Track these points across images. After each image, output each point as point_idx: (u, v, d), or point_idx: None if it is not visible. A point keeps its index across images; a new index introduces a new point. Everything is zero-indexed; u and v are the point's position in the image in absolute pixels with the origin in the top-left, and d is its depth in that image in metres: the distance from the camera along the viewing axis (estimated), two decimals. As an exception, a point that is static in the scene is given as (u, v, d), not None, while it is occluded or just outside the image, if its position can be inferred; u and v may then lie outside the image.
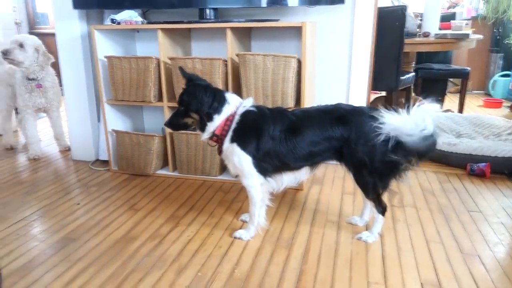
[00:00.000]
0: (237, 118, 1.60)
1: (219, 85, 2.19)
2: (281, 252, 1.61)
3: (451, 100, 4.65)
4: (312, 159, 1.62)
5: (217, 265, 1.52)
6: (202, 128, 1.62)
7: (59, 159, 2.80)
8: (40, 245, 1.68)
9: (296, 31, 2.27)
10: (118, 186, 2.30)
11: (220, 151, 1.67)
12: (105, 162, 2.62)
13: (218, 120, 1.60)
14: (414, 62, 3.76)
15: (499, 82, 4.72)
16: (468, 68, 3.79)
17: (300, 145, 1.57)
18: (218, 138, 1.63)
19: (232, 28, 2.17)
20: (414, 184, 2.27)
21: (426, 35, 3.27)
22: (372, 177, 1.55)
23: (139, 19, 2.38)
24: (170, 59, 2.26)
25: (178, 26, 2.24)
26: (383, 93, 3.84)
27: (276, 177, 1.68)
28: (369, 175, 1.55)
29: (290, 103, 2.12)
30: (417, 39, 3.22)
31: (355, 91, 2.49)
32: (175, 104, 2.33)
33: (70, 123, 2.73)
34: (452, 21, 3.63)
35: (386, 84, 3.09)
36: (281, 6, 2.37)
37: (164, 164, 2.50)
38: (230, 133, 1.60)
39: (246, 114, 1.62)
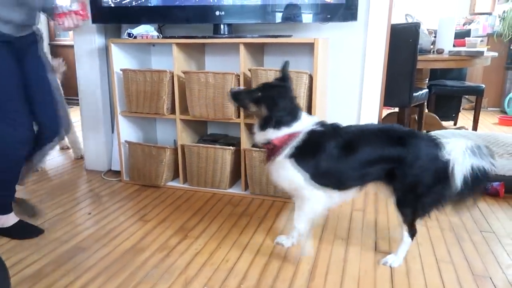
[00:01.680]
0: (301, 136, 1.53)
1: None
2: (288, 268, 1.60)
3: (465, 117, 4.59)
4: (364, 179, 1.58)
5: (224, 279, 1.52)
6: (262, 127, 1.53)
7: (73, 169, 2.85)
8: (50, 254, 1.71)
9: (309, 47, 2.29)
10: (129, 196, 2.33)
11: (268, 160, 1.60)
12: (118, 173, 2.66)
13: (282, 132, 1.52)
14: (427, 79, 3.74)
15: (515, 99, 4.66)
16: (483, 85, 3.75)
17: (356, 163, 1.53)
18: (273, 148, 1.55)
19: (245, 44, 2.20)
20: (426, 202, 2.24)
21: (440, 52, 3.26)
22: (418, 202, 1.53)
23: (155, 33, 2.44)
24: (184, 73, 2.30)
25: (193, 41, 2.28)
26: (396, 109, 3.83)
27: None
28: (415, 199, 1.52)
29: (301, 118, 2.12)
30: (431, 56, 3.20)
31: (367, 107, 2.49)
32: (187, 117, 2.37)
33: (85, 133, 2.79)
34: (466, 38, 3.61)
35: (399, 101, 3.08)
36: (294, 23, 2.40)
37: (175, 176, 2.53)
38: (289, 149, 1.52)
39: (310, 133, 1.54)
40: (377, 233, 1.89)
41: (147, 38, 2.38)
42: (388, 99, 2.96)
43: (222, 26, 2.36)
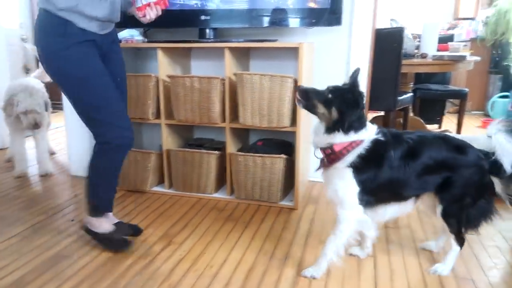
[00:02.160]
0: (365, 144, 1.46)
1: (216, 103, 2.21)
2: (273, 272, 1.60)
3: (450, 121, 4.66)
4: (423, 188, 1.54)
5: (208, 285, 1.51)
6: (329, 130, 1.46)
7: (58, 174, 2.81)
8: (32, 262, 1.68)
9: (294, 52, 2.30)
10: (114, 202, 2.29)
11: (323, 167, 1.55)
12: (102, 178, 2.62)
13: (349, 138, 1.45)
14: (412, 83, 3.79)
15: (497, 103, 4.74)
16: (466, 89, 3.81)
17: (418, 170, 1.49)
18: (331, 154, 1.48)
19: (231, 48, 2.21)
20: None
21: (424, 56, 3.30)
22: (464, 213, 1.53)
23: (140, 37, 2.43)
24: (169, 77, 2.29)
25: (178, 45, 2.28)
26: (382, 113, 3.86)
27: (378, 210, 1.57)
28: (462, 210, 1.53)
29: (286, 123, 2.13)
30: (415, 60, 3.25)
31: (352, 111, 2.51)
32: (173, 122, 2.35)
33: (70, 138, 2.75)
34: (449, 43, 3.67)
35: (384, 104, 3.11)
36: (280, 27, 2.41)
37: (161, 181, 2.51)
38: (351, 157, 1.46)
39: (374, 142, 1.48)
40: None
41: (132, 42, 2.37)
42: (373, 103, 2.99)
43: (207, 31, 2.37)
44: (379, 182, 1.48)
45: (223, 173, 2.38)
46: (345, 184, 1.48)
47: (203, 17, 2.30)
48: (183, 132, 2.59)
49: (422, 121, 3.88)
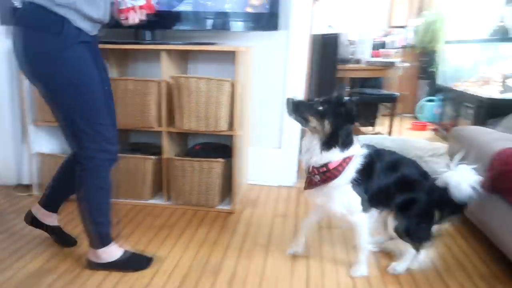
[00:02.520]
0: (359, 159, 1.50)
1: (152, 107, 2.16)
2: (207, 279, 1.58)
3: (383, 123, 4.92)
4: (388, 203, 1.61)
5: (139, 296, 1.47)
6: (325, 147, 1.45)
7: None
8: None
9: (233, 55, 2.30)
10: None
11: (313, 185, 1.53)
12: (29, 187, 2.45)
13: (344, 154, 1.47)
14: (348, 87, 3.96)
15: (425, 106, 5.08)
16: (397, 93, 4.04)
17: (397, 181, 1.57)
18: (326, 172, 1.47)
19: (168, 50, 2.16)
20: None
21: (358, 61, 3.47)
22: (420, 228, 1.60)
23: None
24: (101, 79, 2.19)
25: (112, 46, 2.19)
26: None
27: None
28: (419, 225, 1.60)
29: (223, 127, 2.13)
30: (350, 66, 3.40)
31: (289, 114, 2.56)
32: (105, 126, 2.25)
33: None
34: (381, 50, 3.89)
35: (321, 108, 3.21)
36: (220, 31, 2.40)
37: (94, 187, 2.39)
38: (349, 174, 1.48)
39: (367, 157, 1.52)
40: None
41: (59, 42, 2.23)
42: (310, 106, 3.08)
43: (144, 32, 2.30)
44: (372, 191, 1.54)
45: (160, 178, 2.32)
46: (348, 198, 1.52)
47: (137, 18, 2.22)
48: (118, 136, 2.48)
49: (356, 124, 4.06)
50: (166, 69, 2.16)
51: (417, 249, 1.64)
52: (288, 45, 2.47)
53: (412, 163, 1.64)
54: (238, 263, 1.70)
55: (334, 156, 1.46)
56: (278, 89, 2.55)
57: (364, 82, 4.57)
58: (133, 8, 1.59)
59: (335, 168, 1.46)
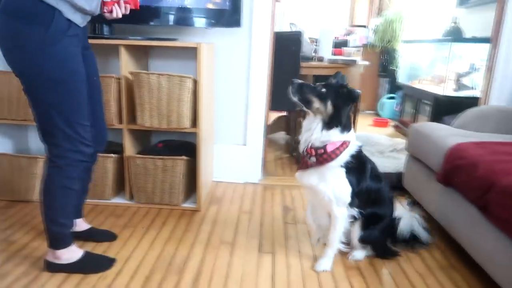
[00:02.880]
0: (355, 147, 1.54)
1: (112, 103, 2.09)
2: (172, 278, 1.56)
3: (347, 119, 5.03)
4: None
5: (100, 298, 1.42)
6: (327, 127, 1.48)
7: None
8: None
9: (195, 52, 2.28)
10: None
11: (307, 166, 1.56)
12: (-21, 188, 2.31)
13: (343, 137, 1.50)
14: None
15: (386, 103, 5.26)
16: (359, 91, 4.15)
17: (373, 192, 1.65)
18: (323, 154, 1.49)
19: (127, 46, 2.10)
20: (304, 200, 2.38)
21: (320, 59, 3.52)
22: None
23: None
24: (57, 75, 2.09)
25: (66, 40, 2.09)
26: (285, 113, 4.02)
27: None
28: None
29: (186, 124, 2.10)
30: (313, 63, 3.44)
31: (254, 111, 2.57)
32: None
33: None
34: (343, 48, 3.96)
35: (285, 105, 3.22)
36: (182, 27, 2.36)
37: (51, 188, 2.29)
38: (345, 157, 1.51)
39: (360, 148, 1.58)
40: (262, 234, 1.95)
41: (11, 35, 2.11)
42: (275, 103, 3.10)
43: (101, 26, 2.22)
44: (361, 187, 1.59)
45: (121, 177, 2.26)
46: (340, 183, 1.54)
47: (95, 12, 2.14)
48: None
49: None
50: (125, 65, 2.10)
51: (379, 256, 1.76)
52: (251, 42, 2.47)
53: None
54: (204, 261, 1.69)
55: (334, 136, 1.49)
56: (242, 86, 2.55)
57: (327, 79, 4.65)
58: (118, 2, 1.54)
59: (333, 151, 1.50)
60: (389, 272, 1.66)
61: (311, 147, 1.52)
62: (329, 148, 1.49)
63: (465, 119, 2.30)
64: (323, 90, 1.49)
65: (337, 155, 1.50)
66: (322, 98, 1.48)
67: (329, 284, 1.56)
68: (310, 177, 1.58)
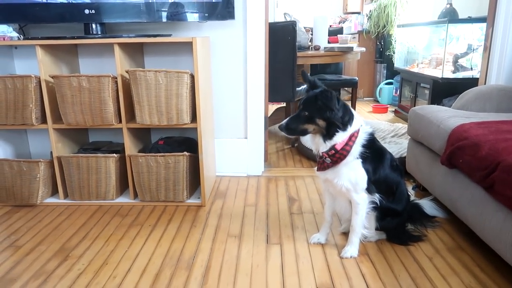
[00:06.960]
0: (364, 135, 1.56)
1: (109, 103, 2.07)
2: (181, 274, 1.56)
3: (345, 107, 5.02)
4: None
5: (111, 298, 1.42)
6: (328, 137, 1.51)
7: None
8: None
9: (190, 46, 2.26)
10: (-3, 221, 2.04)
11: (325, 167, 1.58)
12: (-18, 195, 2.30)
13: (348, 132, 1.52)
14: (309, 74, 3.99)
15: (384, 89, 5.24)
16: (356, 78, 4.14)
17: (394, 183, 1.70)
18: (336, 153, 1.53)
19: (121, 44, 2.08)
20: (312, 190, 2.38)
21: (316, 48, 3.50)
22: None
23: (15, 34, 2.17)
24: (53, 77, 2.08)
25: (60, 42, 2.08)
26: (283, 104, 4.01)
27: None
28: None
29: (185, 120, 2.08)
30: (309, 52, 3.42)
31: (253, 103, 2.56)
32: (62, 126, 2.15)
33: None
34: (339, 36, 3.94)
35: (283, 96, 3.23)
36: (175, 22, 2.34)
37: (54, 191, 2.29)
38: (357, 148, 1.54)
39: (372, 135, 1.60)
40: (268, 226, 1.94)
41: (4, 40, 2.10)
42: (273, 95, 3.08)
43: (93, 26, 2.20)
44: (378, 175, 1.62)
45: (125, 176, 2.25)
46: (356, 173, 1.57)
47: (87, 11, 2.12)
48: (75, 136, 2.39)
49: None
50: (121, 64, 2.08)
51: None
52: (246, 34, 2.45)
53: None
54: (212, 255, 1.68)
55: (339, 138, 1.52)
56: (240, 79, 2.53)
57: (324, 68, 4.64)
58: None
59: (343, 148, 1.53)
60: (398, 256, 1.66)
61: (322, 152, 1.56)
62: (339, 147, 1.53)
63: (465, 100, 2.29)
64: (306, 113, 1.51)
65: (348, 151, 1.53)
66: (310, 121, 1.51)
67: (339, 271, 1.56)
68: (328, 174, 1.62)
